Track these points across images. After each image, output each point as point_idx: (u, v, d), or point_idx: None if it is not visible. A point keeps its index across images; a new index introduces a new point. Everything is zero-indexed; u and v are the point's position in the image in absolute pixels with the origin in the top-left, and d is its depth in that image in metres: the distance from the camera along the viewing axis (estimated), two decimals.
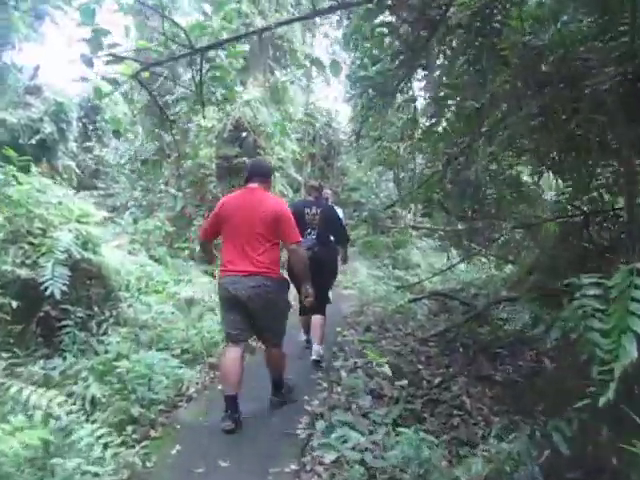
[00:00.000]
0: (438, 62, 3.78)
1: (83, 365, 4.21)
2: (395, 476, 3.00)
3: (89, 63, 3.69)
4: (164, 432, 3.63)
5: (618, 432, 2.52)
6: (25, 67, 15.16)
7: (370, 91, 5.15)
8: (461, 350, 6.49)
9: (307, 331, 5.77)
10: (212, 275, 8.95)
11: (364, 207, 15.28)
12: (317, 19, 12.13)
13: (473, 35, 3.26)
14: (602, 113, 3.58)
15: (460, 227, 8.34)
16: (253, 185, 3.90)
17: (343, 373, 4.90)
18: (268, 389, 4.28)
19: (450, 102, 4.11)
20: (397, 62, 3.98)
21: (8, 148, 5.48)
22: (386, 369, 3.82)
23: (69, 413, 2.99)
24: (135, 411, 3.51)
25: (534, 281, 8.96)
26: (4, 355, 3.96)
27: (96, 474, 2.71)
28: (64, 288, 4.54)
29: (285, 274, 4.49)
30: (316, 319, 5.43)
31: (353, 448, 3.15)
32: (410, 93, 5.37)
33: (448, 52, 3.74)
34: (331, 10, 4.05)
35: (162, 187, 10.08)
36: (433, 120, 4.83)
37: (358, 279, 10.92)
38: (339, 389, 4.62)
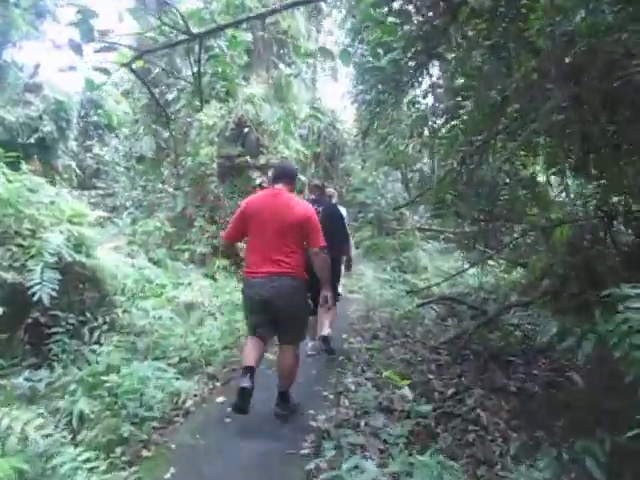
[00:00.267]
0: (456, 51, 3.49)
1: (72, 376, 3.93)
2: None
3: (78, 50, 3.40)
4: (157, 452, 3.32)
5: None
6: (26, 65, 14.98)
7: (379, 86, 4.87)
8: (472, 358, 6.22)
9: (313, 337, 5.56)
10: (213, 278, 8.67)
11: (370, 208, 14.96)
12: (323, 7, 11.80)
13: (498, 20, 2.97)
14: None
15: (469, 229, 8.05)
16: (278, 187, 3.94)
17: (351, 385, 4.61)
18: (272, 401, 4.00)
19: (469, 93, 3.79)
20: (412, 51, 3.68)
21: None
22: (406, 392, 3.50)
23: (47, 436, 2.68)
24: (125, 430, 3.21)
25: (547, 286, 8.67)
26: None
27: None
28: (54, 293, 4.27)
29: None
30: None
31: None
32: (423, 87, 5.08)
33: (467, 39, 3.44)
34: None
35: (160, 186, 9.79)
36: (447, 115, 4.52)
37: (364, 282, 10.63)
38: (346, 402, 4.34)
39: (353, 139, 17.06)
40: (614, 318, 2.35)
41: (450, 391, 4.97)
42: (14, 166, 5.11)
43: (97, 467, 2.68)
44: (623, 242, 5.37)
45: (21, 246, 4.51)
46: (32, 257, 4.38)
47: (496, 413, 4.62)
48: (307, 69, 13.18)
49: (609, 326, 2.39)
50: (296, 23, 10.38)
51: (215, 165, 9.31)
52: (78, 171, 15.32)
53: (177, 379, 4.23)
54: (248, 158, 9.72)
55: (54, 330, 4.39)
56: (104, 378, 3.61)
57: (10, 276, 4.28)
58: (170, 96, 9.56)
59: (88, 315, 4.83)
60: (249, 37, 5.25)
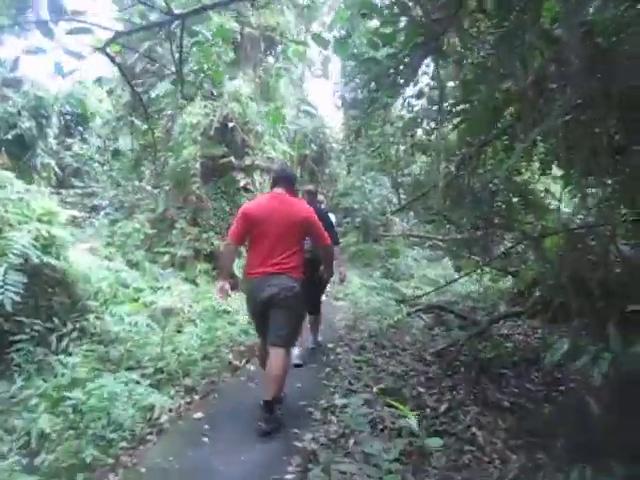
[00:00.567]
0: (461, 43, 3.23)
1: (34, 389, 3.57)
2: None
3: (47, 32, 3.08)
4: (125, 477, 2.98)
5: None
6: (7, 61, 14.50)
7: (372, 84, 4.60)
8: (463, 370, 5.99)
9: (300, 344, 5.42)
10: (193, 282, 8.32)
11: (357, 213, 14.68)
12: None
13: (509, 9, 2.71)
14: None
15: (460, 237, 7.84)
16: (279, 190, 4.05)
17: (337, 400, 4.30)
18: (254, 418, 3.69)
19: (474, 88, 3.51)
20: (411, 45, 3.41)
21: None
22: (412, 422, 3.18)
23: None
24: (88, 454, 2.86)
25: (537, 296, 8.47)
26: None
27: None
28: (17, 298, 3.92)
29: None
30: (314, 318, 5.96)
31: None
32: (417, 87, 4.83)
33: (475, 30, 3.19)
34: None
35: (137, 183, 9.38)
36: (447, 115, 4.25)
37: (350, 290, 10.32)
38: (334, 419, 4.04)
39: (340, 142, 16.84)
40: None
41: (443, 407, 4.73)
42: None
43: None
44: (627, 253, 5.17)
45: None
46: None
47: (492, 432, 4.37)
48: (295, 67, 12.87)
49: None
50: (285, 20, 10.09)
51: (198, 165, 8.95)
52: (57, 170, 14.83)
53: (151, 394, 3.88)
54: (232, 159, 9.38)
55: (18, 338, 4.04)
56: (67, 394, 3.25)
57: None
58: (153, 93, 9.20)
59: (56, 321, 4.48)
60: (235, 27, 4.97)
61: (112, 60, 3.16)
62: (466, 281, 10.73)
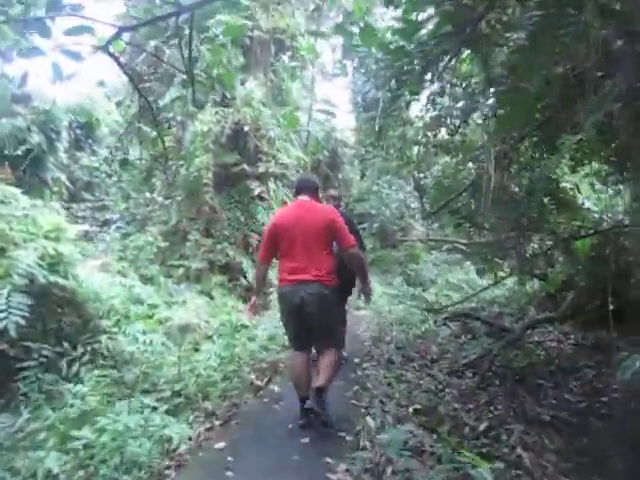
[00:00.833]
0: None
1: (43, 421, 3.28)
2: None
3: (44, 31, 2.80)
4: None
5: None
6: (16, 77, 14.43)
7: (393, 81, 4.29)
8: (497, 382, 5.65)
9: None
10: (209, 295, 8.04)
11: (374, 219, 14.28)
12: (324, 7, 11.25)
13: None
14: None
15: (484, 240, 7.49)
16: (304, 198, 4.02)
17: (370, 422, 3.97)
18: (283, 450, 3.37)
19: (526, 72, 3.16)
20: (441, 34, 3.10)
21: None
22: (487, 476, 2.78)
23: None
24: None
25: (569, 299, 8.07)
26: None
27: None
28: (23, 322, 3.64)
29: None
30: None
31: None
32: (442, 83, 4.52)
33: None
34: None
35: (148, 195, 9.13)
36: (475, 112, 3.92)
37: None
38: (367, 444, 3.70)
39: (352, 146, 16.52)
40: None
41: (483, 425, 4.37)
42: None
43: None
44: None
45: None
46: None
47: (540, 453, 4.00)
48: (306, 70, 12.55)
49: None
50: (296, 22, 9.81)
51: (211, 174, 8.69)
52: (68, 184, 14.68)
53: (165, 426, 3.54)
54: (246, 166, 9.11)
55: (25, 365, 3.76)
56: (77, 434, 2.95)
57: None
58: (162, 102, 8.97)
59: (66, 345, 4.21)
60: (247, 24, 4.73)
61: (115, 60, 2.88)
62: (490, 285, 10.34)
